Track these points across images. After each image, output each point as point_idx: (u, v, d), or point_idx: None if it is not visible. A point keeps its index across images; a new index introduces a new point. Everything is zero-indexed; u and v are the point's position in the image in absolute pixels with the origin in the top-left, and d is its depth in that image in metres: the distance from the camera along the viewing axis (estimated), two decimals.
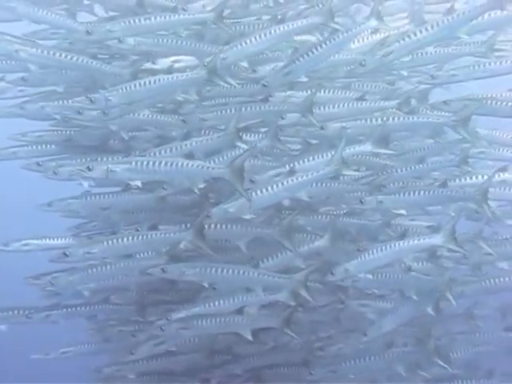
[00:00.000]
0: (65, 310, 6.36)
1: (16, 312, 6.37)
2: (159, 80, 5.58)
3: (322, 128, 5.83)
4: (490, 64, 6.08)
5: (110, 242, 5.72)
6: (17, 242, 6.43)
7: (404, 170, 6.15)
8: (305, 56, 5.55)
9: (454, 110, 6.09)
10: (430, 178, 6.29)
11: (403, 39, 5.68)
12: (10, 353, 6.81)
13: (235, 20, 6.06)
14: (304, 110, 5.75)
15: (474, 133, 6.19)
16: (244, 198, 5.35)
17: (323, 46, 5.55)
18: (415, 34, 5.66)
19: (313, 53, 5.54)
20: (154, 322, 6.10)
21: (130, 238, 5.70)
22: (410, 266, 6.01)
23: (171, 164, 5.38)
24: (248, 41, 5.59)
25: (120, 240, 5.70)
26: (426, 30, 5.64)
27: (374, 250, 5.71)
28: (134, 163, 5.39)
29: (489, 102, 6.11)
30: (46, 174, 6.14)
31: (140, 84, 5.60)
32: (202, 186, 5.53)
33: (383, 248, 5.71)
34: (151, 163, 5.37)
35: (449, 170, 6.37)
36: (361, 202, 5.89)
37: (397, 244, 5.71)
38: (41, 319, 6.35)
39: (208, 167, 5.41)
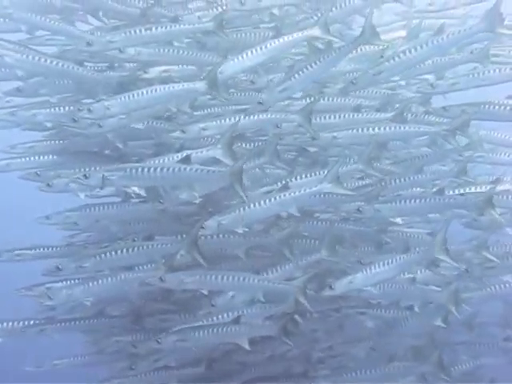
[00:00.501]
0: (60, 324, 6.61)
1: (11, 325, 6.65)
2: (158, 90, 5.88)
3: (313, 138, 6.20)
4: (489, 72, 6.45)
5: (103, 254, 6.05)
6: (9, 252, 6.80)
7: (402, 179, 6.48)
8: (300, 73, 5.85)
9: (453, 116, 6.51)
10: (429, 185, 6.63)
11: (393, 59, 6.06)
12: (9, 352, 7.11)
13: (233, 29, 6.42)
14: (302, 119, 6.06)
15: (476, 138, 6.61)
16: (243, 201, 5.69)
17: (318, 62, 5.84)
18: (405, 54, 6.02)
19: (308, 69, 5.84)
20: (151, 332, 6.49)
21: (124, 250, 6.04)
22: (414, 277, 6.33)
23: (168, 169, 5.66)
24: (245, 55, 5.92)
25: (113, 253, 6.04)
26: (416, 49, 6.01)
27: (375, 265, 6.06)
28: (129, 170, 5.66)
29: (487, 106, 6.52)
30: (40, 187, 6.49)
31: (139, 94, 5.90)
32: (197, 200, 5.90)
33: (384, 263, 6.05)
34: (147, 169, 5.65)
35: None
36: (358, 210, 6.24)
37: (397, 258, 6.06)
38: (35, 333, 6.62)
39: (207, 171, 5.68)
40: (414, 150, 6.77)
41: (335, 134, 6.24)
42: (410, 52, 6.01)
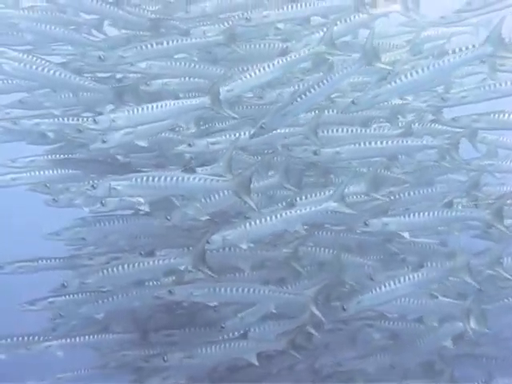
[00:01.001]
0: (65, 340, 7.01)
1: (15, 341, 7.09)
2: (165, 105, 6.27)
3: (315, 153, 6.59)
4: (500, 84, 6.76)
5: (108, 270, 6.45)
6: (11, 264, 7.22)
7: (412, 193, 6.87)
8: (302, 96, 6.19)
9: (462, 126, 6.89)
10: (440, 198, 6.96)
11: (395, 81, 6.38)
12: (11, 363, 7.48)
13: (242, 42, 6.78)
14: (309, 131, 6.48)
15: (492, 147, 7.10)
16: (253, 210, 6.04)
17: (321, 84, 6.18)
18: (406, 77, 6.34)
19: (310, 92, 6.18)
20: (158, 346, 6.92)
21: (129, 265, 6.44)
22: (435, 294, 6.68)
23: (171, 178, 6.01)
24: (252, 73, 6.34)
25: (119, 268, 6.44)
26: (417, 73, 6.32)
27: (387, 283, 6.40)
28: (134, 179, 6.03)
29: (496, 116, 6.90)
30: (46, 201, 6.96)
31: (146, 108, 6.28)
32: (205, 218, 6.31)
33: (396, 280, 6.40)
34: (151, 178, 6.01)
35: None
36: (365, 224, 6.56)
37: (411, 276, 6.43)
38: (41, 350, 7.03)
39: (212, 180, 6.00)
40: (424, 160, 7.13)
41: (338, 149, 6.59)
42: (411, 75, 6.33)
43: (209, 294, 6.34)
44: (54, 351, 7.01)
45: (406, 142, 6.66)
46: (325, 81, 6.20)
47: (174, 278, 6.57)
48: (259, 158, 6.73)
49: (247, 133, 6.46)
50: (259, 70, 6.35)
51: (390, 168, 6.93)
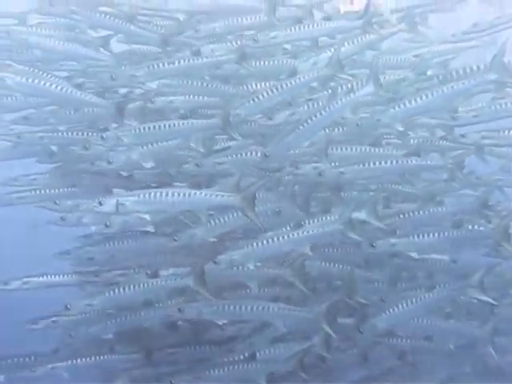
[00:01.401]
0: (71, 361, 7.20)
1: (19, 362, 7.29)
2: (173, 125, 6.57)
3: (320, 174, 6.79)
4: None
5: (110, 292, 6.70)
6: (17, 280, 7.41)
7: (421, 212, 6.98)
8: (305, 124, 6.46)
9: (471, 142, 7.11)
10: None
11: (398, 106, 6.64)
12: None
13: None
14: (319, 151, 6.65)
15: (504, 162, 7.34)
16: (258, 227, 6.26)
17: (323, 112, 6.44)
18: (410, 103, 6.61)
19: (313, 120, 6.44)
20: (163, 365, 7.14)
21: (131, 287, 6.69)
22: (449, 312, 6.93)
23: (178, 194, 6.25)
24: (261, 96, 6.61)
25: (120, 290, 6.69)
26: (421, 99, 6.60)
27: (400, 305, 6.64)
28: (142, 195, 6.27)
29: (506, 133, 7.11)
30: (54, 221, 7.19)
31: (154, 127, 6.59)
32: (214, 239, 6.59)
33: (409, 301, 6.64)
34: (158, 194, 6.25)
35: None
36: (372, 245, 6.74)
37: (424, 296, 6.66)
38: (46, 372, 7.21)
39: (217, 195, 6.24)
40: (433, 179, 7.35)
41: (342, 169, 6.77)
42: (414, 101, 6.61)
43: (218, 312, 6.58)
44: (59, 373, 7.18)
45: (411, 161, 6.82)
46: (327, 108, 6.45)
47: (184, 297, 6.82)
48: (269, 174, 6.87)
49: (254, 153, 6.72)
50: (267, 93, 6.61)
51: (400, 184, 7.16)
